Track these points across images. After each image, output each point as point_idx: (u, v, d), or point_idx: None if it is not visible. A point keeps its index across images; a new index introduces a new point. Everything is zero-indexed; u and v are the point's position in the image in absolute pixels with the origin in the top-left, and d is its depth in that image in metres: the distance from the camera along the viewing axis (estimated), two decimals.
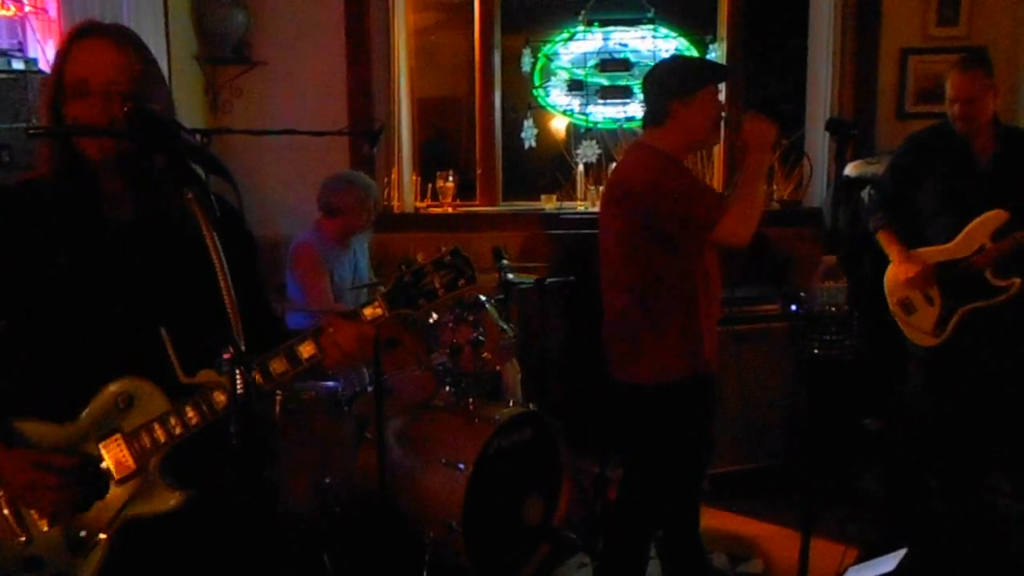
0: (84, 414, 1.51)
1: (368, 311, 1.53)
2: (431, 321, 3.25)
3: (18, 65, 2.97)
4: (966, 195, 3.06)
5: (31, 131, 1.23)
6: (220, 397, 1.47)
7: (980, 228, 3.01)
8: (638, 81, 4.47)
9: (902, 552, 1.99)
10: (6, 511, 1.49)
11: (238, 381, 1.05)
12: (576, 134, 4.63)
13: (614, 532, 2.80)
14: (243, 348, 1.07)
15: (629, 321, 2.59)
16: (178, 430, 1.48)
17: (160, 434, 1.48)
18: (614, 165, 2.94)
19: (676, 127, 2.53)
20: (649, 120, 2.61)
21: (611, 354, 2.66)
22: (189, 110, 4.05)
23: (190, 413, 1.48)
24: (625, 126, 4.53)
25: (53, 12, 3.17)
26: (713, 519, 3.56)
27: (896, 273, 3.16)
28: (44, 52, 3.10)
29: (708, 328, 2.60)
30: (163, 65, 3.69)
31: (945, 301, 3.09)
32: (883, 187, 3.30)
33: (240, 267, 1.52)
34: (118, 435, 1.49)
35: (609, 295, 2.66)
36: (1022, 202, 2.97)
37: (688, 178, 2.61)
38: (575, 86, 4.56)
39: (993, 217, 2.99)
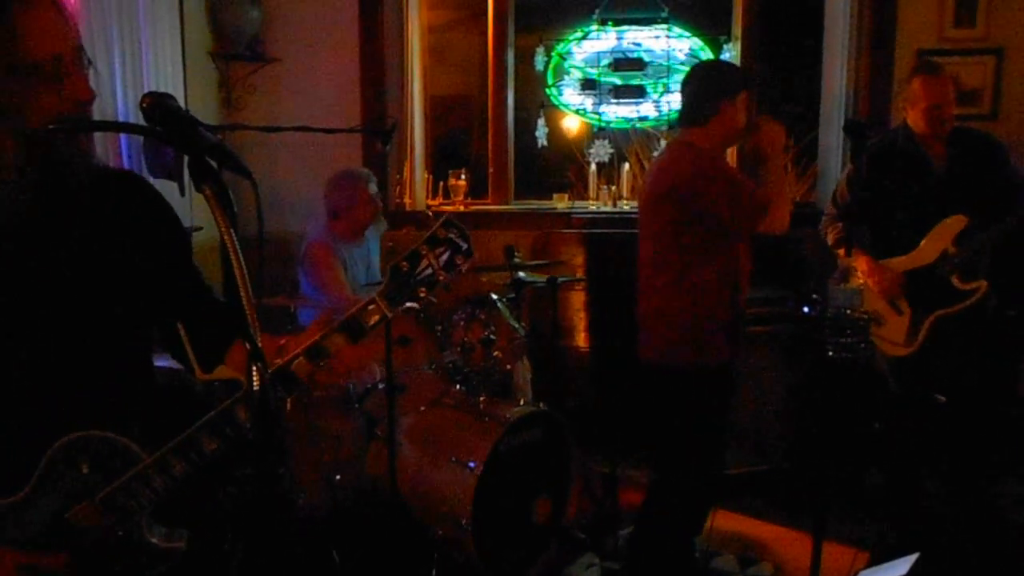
0: (29, 489, 1.25)
1: (369, 317, 1.34)
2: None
3: None
4: (926, 202, 3.06)
5: (52, 127, 1.19)
6: (210, 443, 1.28)
7: (941, 234, 3.02)
8: (652, 81, 4.46)
9: (914, 557, 1.98)
10: None
11: (255, 376, 1.04)
12: (589, 133, 4.63)
13: (652, 530, 2.85)
14: (258, 343, 1.07)
15: (671, 306, 2.71)
16: (161, 483, 1.27)
17: (144, 494, 1.27)
18: (655, 162, 3.03)
19: (718, 125, 2.69)
20: (690, 119, 2.75)
21: (649, 339, 2.76)
22: (203, 105, 4.06)
23: (175, 465, 1.27)
24: (638, 126, 4.52)
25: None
26: (723, 521, 3.54)
27: (865, 285, 3.15)
28: None
29: (736, 318, 2.76)
30: (178, 61, 3.73)
31: (914, 310, 3.09)
32: (840, 201, 3.29)
33: (178, 260, 1.45)
34: (89, 504, 1.25)
35: (650, 282, 2.78)
36: (980, 203, 2.99)
37: (731, 172, 2.81)
38: (588, 85, 4.55)
39: (954, 222, 3.00)
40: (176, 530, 1.33)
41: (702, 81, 2.75)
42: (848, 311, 2.18)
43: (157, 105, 1.11)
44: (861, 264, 3.16)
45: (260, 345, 1.07)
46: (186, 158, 1.11)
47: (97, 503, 1.25)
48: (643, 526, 2.90)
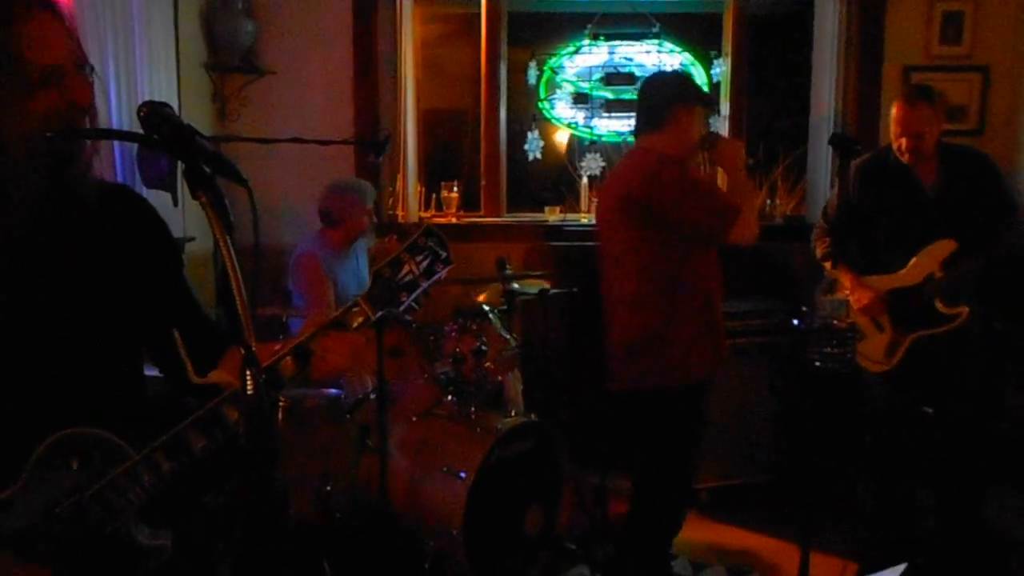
0: (20, 485, 1.25)
1: (353, 318, 1.42)
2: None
3: None
4: (914, 222, 3.06)
5: (49, 135, 1.21)
6: (198, 441, 1.30)
7: (929, 257, 3.02)
8: None
9: (901, 568, 1.99)
10: None
11: (248, 382, 1.06)
12: (580, 147, 4.66)
13: (631, 545, 2.83)
14: (253, 349, 1.09)
15: (637, 329, 2.63)
16: (149, 480, 1.28)
17: (133, 492, 1.28)
18: (612, 171, 3.04)
19: (674, 131, 2.63)
20: (645, 125, 2.69)
21: (616, 364, 2.70)
22: (197, 117, 4.07)
23: (163, 463, 1.28)
24: (629, 139, 4.55)
25: None
26: (712, 532, 3.56)
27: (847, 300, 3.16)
28: None
29: (713, 334, 2.69)
30: (172, 72, 3.75)
31: (895, 328, 3.09)
32: (829, 216, 3.31)
33: (171, 273, 1.49)
34: (78, 500, 1.26)
35: (614, 304, 2.70)
36: (969, 225, 2.98)
37: (695, 175, 2.72)
38: (580, 99, 4.59)
39: (943, 245, 2.99)
40: (161, 529, 1.35)
41: (659, 86, 2.72)
42: (834, 321, 2.20)
43: (155, 114, 1.13)
44: (844, 279, 3.18)
45: (255, 351, 1.09)
46: (180, 167, 1.13)
47: (86, 499, 1.26)
48: (626, 538, 2.90)
